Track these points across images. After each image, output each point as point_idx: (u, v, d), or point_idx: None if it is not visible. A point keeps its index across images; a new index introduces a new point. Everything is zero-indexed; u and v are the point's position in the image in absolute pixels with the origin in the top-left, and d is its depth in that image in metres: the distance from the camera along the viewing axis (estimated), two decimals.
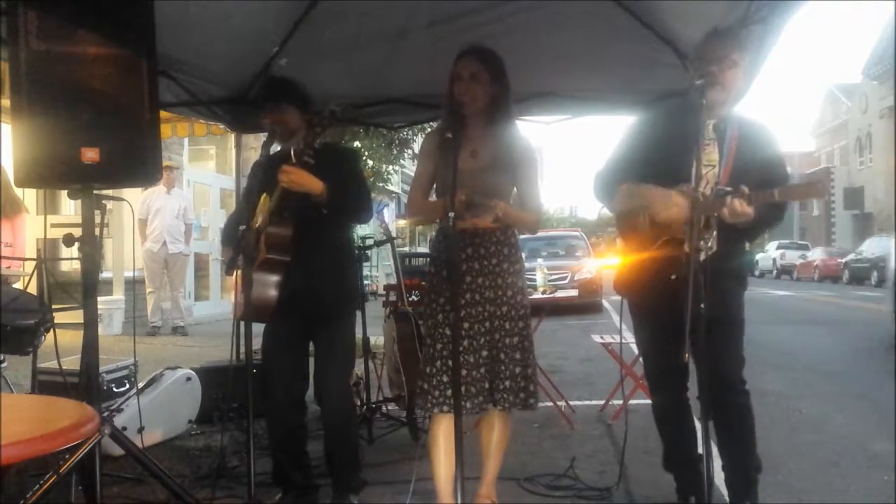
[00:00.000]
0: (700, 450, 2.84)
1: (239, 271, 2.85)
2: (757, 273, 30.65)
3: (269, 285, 2.84)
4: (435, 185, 2.85)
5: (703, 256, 2.47)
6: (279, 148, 3.03)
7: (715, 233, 2.50)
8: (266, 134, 2.97)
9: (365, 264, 4.62)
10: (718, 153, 2.56)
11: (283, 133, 2.98)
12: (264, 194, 2.92)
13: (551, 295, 5.53)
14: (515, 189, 2.82)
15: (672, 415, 2.82)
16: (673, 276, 2.38)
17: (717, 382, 2.58)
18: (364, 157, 13.60)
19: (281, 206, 2.81)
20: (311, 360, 3.09)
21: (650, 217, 2.59)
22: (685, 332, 2.24)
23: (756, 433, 2.69)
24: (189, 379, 4.34)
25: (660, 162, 2.58)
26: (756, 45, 3.11)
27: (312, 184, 2.76)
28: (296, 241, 2.84)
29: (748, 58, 2.70)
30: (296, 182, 2.74)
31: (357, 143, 12.06)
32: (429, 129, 3.13)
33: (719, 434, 2.68)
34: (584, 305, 12.02)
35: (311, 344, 3.03)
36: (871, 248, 23.25)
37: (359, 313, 3.58)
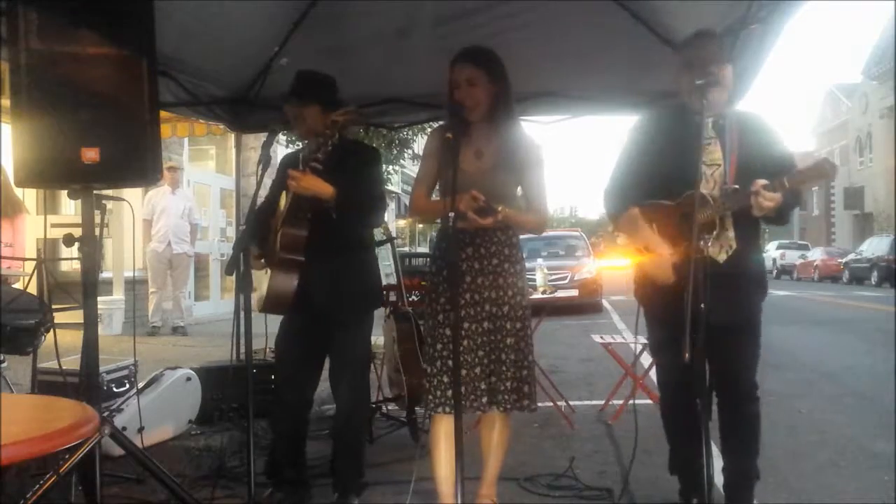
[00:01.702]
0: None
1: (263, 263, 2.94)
2: None
3: (284, 283, 2.88)
4: (438, 185, 2.84)
5: (724, 257, 2.47)
6: (302, 144, 3.06)
7: (732, 232, 2.48)
8: (266, 134, 2.97)
9: None
10: (721, 151, 2.55)
11: (303, 131, 3.00)
12: (283, 192, 2.97)
13: (551, 295, 5.53)
14: (520, 189, 2.82)
15: (681, 419, 2.82)
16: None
17: (731, 389, 2.59)
18: None
19: (295, 206, 2.85)
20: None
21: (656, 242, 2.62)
22: (686, 333, 2.24)
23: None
24: (189, 379, 4.34)
25: (662, 170, 2.58)
26: (756, 45, 3.12)
27: (321, 188, 2.78)
28: (311, 242, 2.87)
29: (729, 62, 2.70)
30: (304, 188, 2.78)
31: None
32: (429, 129, 3.13)
33: (725, 437, 2.69)
34: (584, 305, 12.03)
35: (325, 345, 3.04)
36: (871, 248, 23.28)
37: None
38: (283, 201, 2.98)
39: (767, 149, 2.54)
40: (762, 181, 2.35)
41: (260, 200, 3.13)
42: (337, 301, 2.94)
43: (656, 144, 2.65)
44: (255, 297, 3.10)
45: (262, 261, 2.98)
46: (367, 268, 3.11)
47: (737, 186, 2.41)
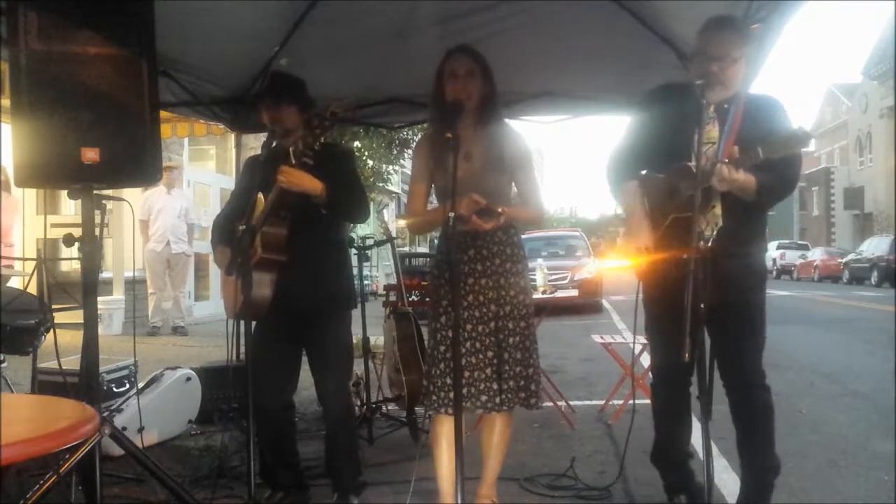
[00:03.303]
0: (691, 449, 2.85)
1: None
2: None
3: (264, 284, 2.84)
4: (434, 190, 2.84)
5: (709, 233, 2.45)
6: (275, 144, 3.01)
7: (719, 209, 2.45)
8: (266, 133, 2.96)
9: (365, 264, 4.60)
10: (719, 130, 2.53)
11: (279, 131, 2.95)
12: (259, 193, 2.91)
13: (551, 295, 5.52)
14: (515, 187, 2.82)
15: (672, 409, 2.81)
16: (685, 255, 2.33)
17: (730, 376, 2.58)
18: (364, 157, 13.62)
19: (277, 205, 2.80)
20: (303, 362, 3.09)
21: (650, 206, 2.61)
22: (685, 332, 2.24)
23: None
24: (189, 379, 4.34)
25: (661, 146, 2.57)
26: (756, 45, 3.11)
27: (311, 184, 2.74)
28: (290, 241, 2.84)
29: (750, 49, 2.61)
30: (295, 183, 2.73)
31: (357, 143, 12.06)
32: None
33: (740, 432, 2.67)
34: (584, 305, 12.02)
35: (302, 345, 3.02)
36: (871, 248, 23.29)
37: (358, 314, 3.57)
38: (259, 203, 2.93)
39: (771, 129, 2.43)
40: (736, 152, 2.34)
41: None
42: (318, 300, 2.92)
43: (658, 121, 2.64)
44: (225, 304, 3.07)
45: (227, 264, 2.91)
46: (344, 268, 3.11)
47: (726, 160, 2.37)
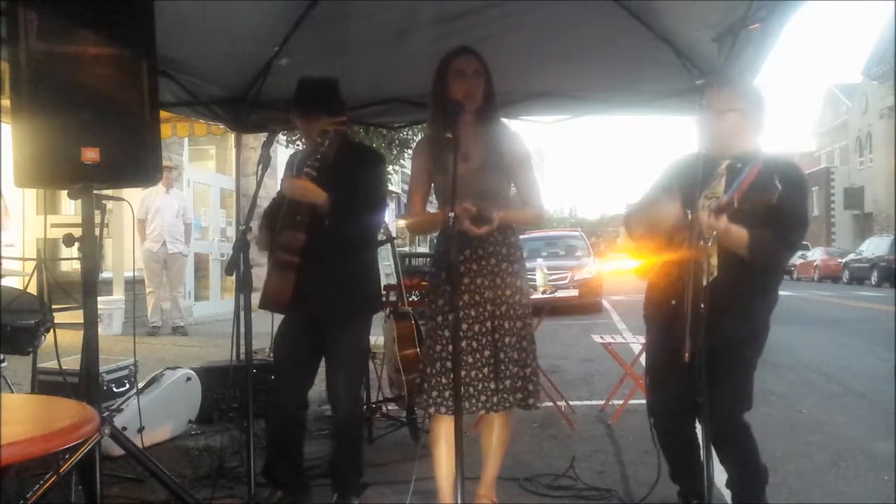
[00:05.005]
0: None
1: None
2: None
3: (280, 281, 2.91)
4: (434, 191, 2.84)
5: (704, 282, 2.42)
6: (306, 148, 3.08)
7: (715, 260, 2.45)
8: (266, 134, 2.98)
9: None
10: (725, 187, 2.51)
11: (311, 137, 2.99)
12: None
13: (551, 295, 5.53)
14: (514, 187, 2.82)
15: (674, 429, 2.80)
16: (672, 302, 2.38)
17: (713, 419, 2.55)
18: None
19: (292, 209, 2.88)
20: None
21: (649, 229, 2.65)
22: (686, 334, 2.24)
23: (759, 439, 2.67)
24: (189, 379, 4.34)
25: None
26: (756, 45, 3.12)
27: (314, 195, 2.81)
28: (308, 244, 2.89)
29: (749, 107, 2.59)
30: (297, 193, 2.82)
31: None
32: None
33: (721, 459, 2.67)
34: (584, 305, 12.01)
35: (321, 346, 3.04)
36: (871, 248, 23.29)
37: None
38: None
39: (780, 200, 2.32)
40: (725, 200, 2.35)
41: (260, 200, 3.13)
42: (332, 304, 2.94)
43: (674, 177, 2.68)
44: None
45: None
46: (364, 272, 3.09)
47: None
